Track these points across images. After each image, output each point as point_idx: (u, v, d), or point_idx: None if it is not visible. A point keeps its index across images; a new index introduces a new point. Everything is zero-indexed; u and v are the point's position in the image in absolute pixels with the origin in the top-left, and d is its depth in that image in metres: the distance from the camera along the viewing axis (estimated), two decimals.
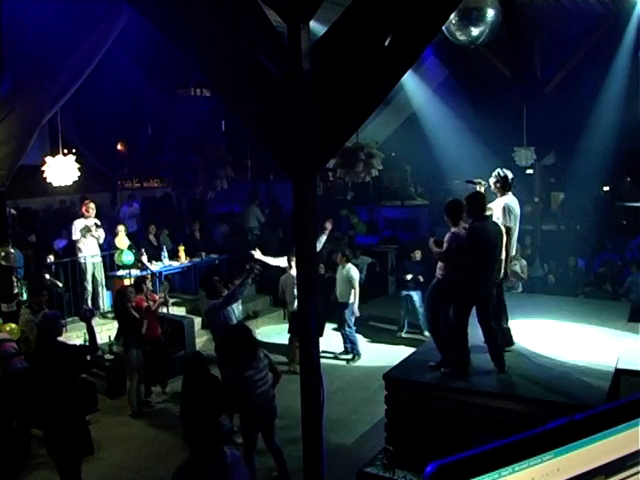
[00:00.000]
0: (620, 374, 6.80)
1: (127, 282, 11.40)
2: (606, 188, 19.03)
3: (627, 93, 13.75)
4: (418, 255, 12.20)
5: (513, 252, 7.62)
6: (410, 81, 15.04)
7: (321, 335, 9.05)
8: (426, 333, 11.67)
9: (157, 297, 10.01)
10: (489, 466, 1.09)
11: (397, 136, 17.71)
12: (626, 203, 19.26)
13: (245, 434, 6.75)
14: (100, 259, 12.09)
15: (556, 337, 7.94)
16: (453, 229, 6.74)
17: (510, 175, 7.34)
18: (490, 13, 10.09)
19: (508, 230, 7.09)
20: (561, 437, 1.17)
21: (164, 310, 10.81)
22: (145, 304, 9.45)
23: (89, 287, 11.79)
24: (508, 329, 7.47)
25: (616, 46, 13.17)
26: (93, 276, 11.86)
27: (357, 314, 11.07)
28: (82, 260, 11.72)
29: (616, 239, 15.42)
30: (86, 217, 11.87)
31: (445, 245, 6.74)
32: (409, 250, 12.79)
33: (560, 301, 10.11)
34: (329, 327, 11.87)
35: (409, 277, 12.09)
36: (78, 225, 11.77)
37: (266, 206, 18.03)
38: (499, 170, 7.35)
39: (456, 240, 6.65)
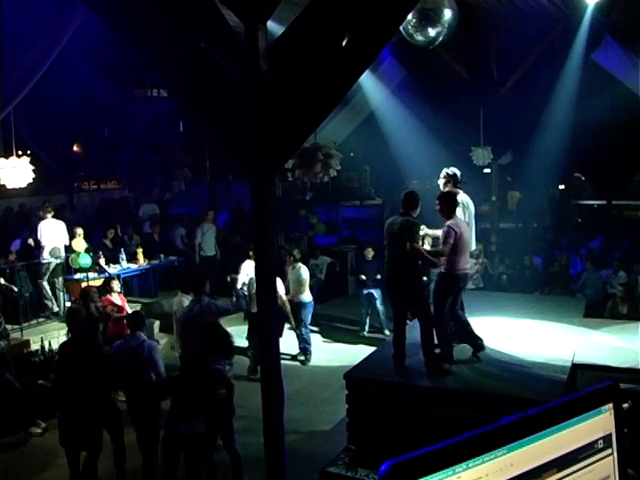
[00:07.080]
0: (577, 368, 6.94)
1: (84, 285, 11.21)
2: (561, 187, 19.41)
3: (579, 93, 14.04)
4: (370, 253, 12.15)
5: (472, 248, 7.70)
6: (368, 81, 15.07)
7: (280, 335, 8.99)
8: (387, 332, 11.70)
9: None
10: (443, 463, 1.10)
11: (355, 136, 17.74)
12: (580, 201, 19.72)
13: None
14: (63, 260, 11.86)
15: (514, 334, 8.05)
16: (449, 222, 6.82)
17: (458, 172, 7.43)
18: (447, 14, 10.18)
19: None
20: (514, 433, 1.19)
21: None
22: (110, 307, 9.33)
23: (47, 287, 11.53)
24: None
25: (569, 48, 13.43)
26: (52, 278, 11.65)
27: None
28: (45, 259, 11.51)
29: (572, 237, 15.70)
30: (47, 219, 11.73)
31: (446, 239, 6.76)
32: (362, 249, 12.80)
33: (517, 298, 10.26)
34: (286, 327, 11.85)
35: (363, 277, 12.03)
36: (44, 227, 11.62)
37: (227, 210, 17.87)
38: (446, 170, 7.43)
39: (454, 232, 6.76)
